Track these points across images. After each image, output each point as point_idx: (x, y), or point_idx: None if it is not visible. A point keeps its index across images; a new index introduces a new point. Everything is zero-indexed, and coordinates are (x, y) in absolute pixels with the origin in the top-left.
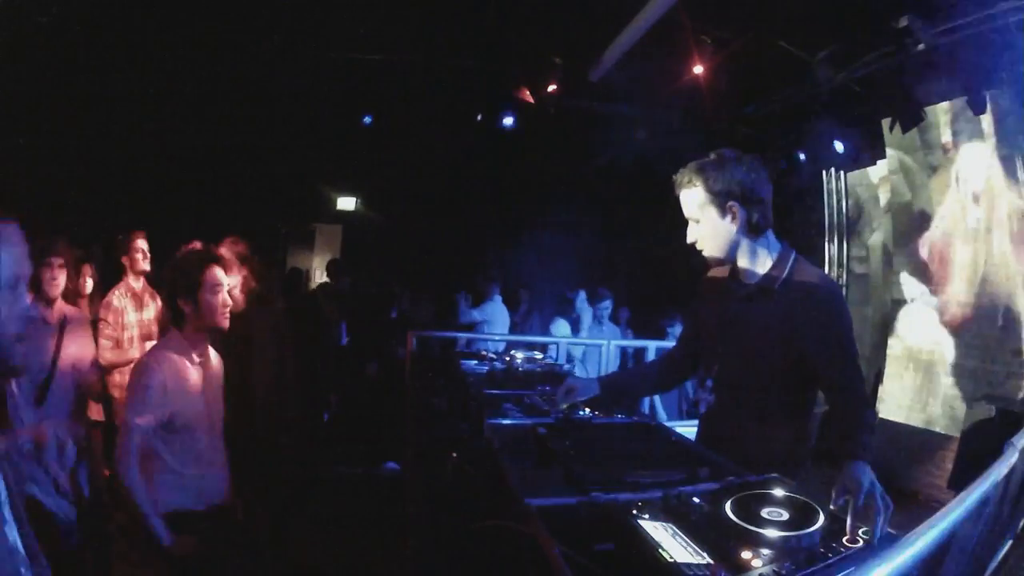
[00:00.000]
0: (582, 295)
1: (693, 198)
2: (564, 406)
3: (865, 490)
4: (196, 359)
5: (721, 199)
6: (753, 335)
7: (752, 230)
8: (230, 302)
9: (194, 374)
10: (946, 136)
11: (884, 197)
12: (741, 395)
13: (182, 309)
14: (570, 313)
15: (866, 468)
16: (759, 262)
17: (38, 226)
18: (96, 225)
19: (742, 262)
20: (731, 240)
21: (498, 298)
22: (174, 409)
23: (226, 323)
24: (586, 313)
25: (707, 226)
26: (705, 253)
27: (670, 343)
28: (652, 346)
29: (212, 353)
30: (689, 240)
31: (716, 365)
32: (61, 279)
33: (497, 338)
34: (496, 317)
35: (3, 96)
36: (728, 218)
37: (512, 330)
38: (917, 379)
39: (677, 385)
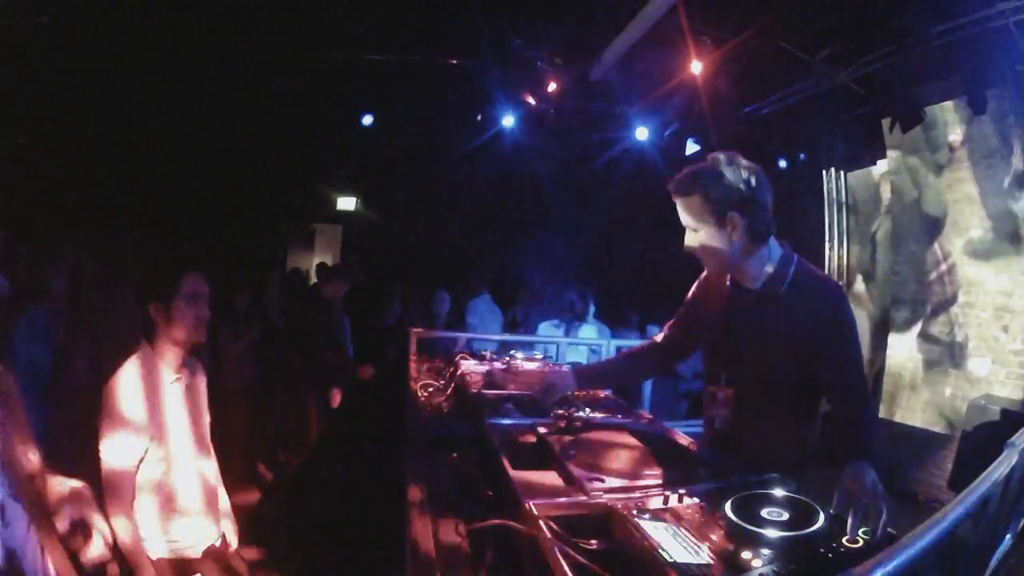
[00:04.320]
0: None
1: (690, 207)
2: (551, 404)
3: (867, 490)
4: (173, 376)
5: (720, 208)
6: (761, 342)
7: (753, 238)
8: (207, 313)
9: (175, 390)
10: (952, 135)
11: (885, 197)
12: (750, 402)
13: (153, 319)
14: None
15: (868, 468)
16: (761, 268)
17: (43, 228)
18: (96, 225)
19: (744, 268)
20: (730, 250)
21: (487, 296)
22: (156, 436)
23: (203, 337)
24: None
25: (706, 236)
26: (704, 262)
27: None
28: None
29: (192, 365)
30: (686, 249)
31: (723, 374)
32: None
33: (496, 338)
34: (484, 316)
35: (3, 96)
36: (728, 228)
37: (510, 330)
38: (917, 379)
39: (655, 375)
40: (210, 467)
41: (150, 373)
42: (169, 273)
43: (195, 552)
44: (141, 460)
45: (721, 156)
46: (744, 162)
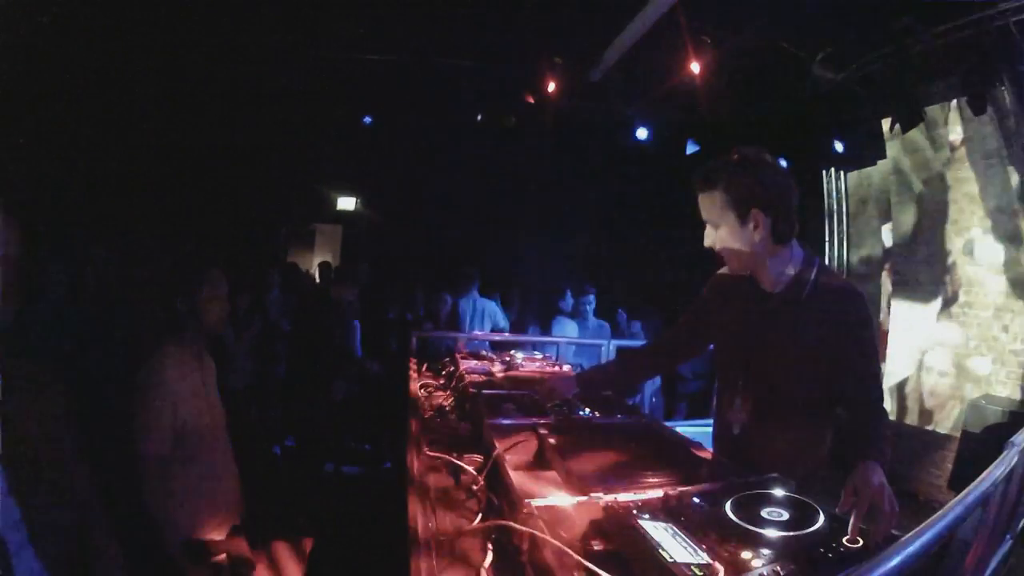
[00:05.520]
0: (568, 295)
1: (712, 202)
2: (550, 405)
3: (873, 490)
4: (196, 365)
5: (742, 205)
6: (781, 347)
7: (776, 239)
8: (228, 306)
9: (196, 381)
10: (952, 135)
11: (885, 198)
12: (767, 408)
13: (179, 311)
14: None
15: (877, 468)
16: (783, 270)
17: (43, 228)
18: (94, 224)
19: (765, 269)
20: (752, 248)
21: (475, 293)
22: (186, 423)
23: (224, 328)
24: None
25: (726, 232)
26: (725, 259)
27: None
28: None
29: (206, 356)
30: (706, 244)
31: (740, 379)
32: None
33: (498, 338)
34: (479, 312)
35: (3, 96)
36: (750, 225)
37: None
38: (917, 379)
39: (657, 375)
40: (228, 450)
41: (179, 363)
42: (194, 268)
43: (220, 533)
44: (174, 444)
45: (747, 151)
46: (770, 159)
